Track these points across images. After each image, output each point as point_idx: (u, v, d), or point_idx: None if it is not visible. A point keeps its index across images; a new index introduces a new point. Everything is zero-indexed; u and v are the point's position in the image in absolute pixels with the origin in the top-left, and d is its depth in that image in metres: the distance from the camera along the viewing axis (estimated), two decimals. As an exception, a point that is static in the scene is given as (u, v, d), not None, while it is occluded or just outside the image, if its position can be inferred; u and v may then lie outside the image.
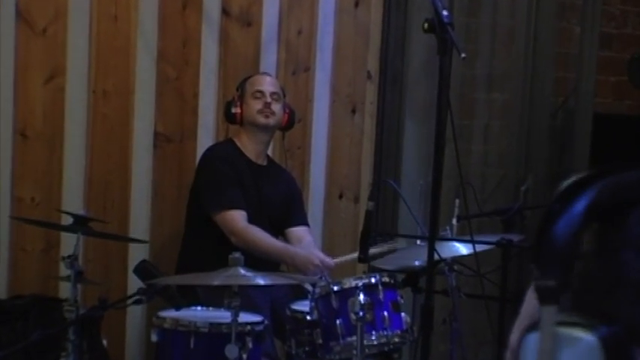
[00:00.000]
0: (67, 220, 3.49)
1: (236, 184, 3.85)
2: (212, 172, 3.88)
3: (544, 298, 1.14)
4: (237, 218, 3.80)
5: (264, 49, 4.40)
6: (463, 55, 2.86)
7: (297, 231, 4.02)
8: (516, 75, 5.05)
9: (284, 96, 4.03)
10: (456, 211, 3.67)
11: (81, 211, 3.51)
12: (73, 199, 3.98)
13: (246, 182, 3.93)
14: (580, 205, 1.17)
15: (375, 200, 3.42)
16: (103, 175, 4.08)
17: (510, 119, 5.10)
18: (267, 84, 3.98)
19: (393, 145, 4.74)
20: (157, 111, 4.18)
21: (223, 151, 3.95)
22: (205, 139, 4.17)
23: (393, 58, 4.69)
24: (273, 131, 4.00)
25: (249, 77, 4.03)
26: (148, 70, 4.14)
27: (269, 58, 4.42)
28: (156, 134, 4.18)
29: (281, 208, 4.02)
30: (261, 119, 3.92)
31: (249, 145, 3.97)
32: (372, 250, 3.36)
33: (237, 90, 4.00)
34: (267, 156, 4.08)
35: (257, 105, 3.92)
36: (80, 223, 3.39)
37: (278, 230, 4.01)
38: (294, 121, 4.07)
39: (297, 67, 4.50)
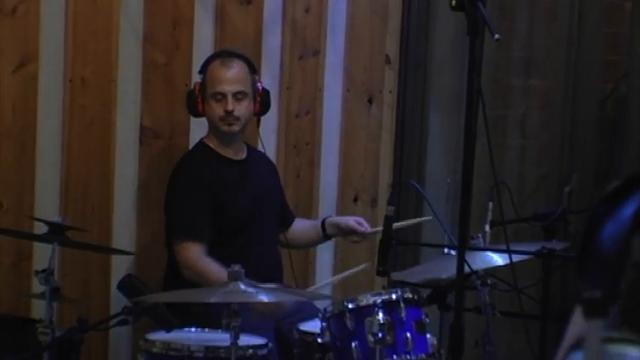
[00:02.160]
0: (40, 229, 3.51)
1: (204, 209, 3.92)
2: (179, 194, 3.97)
3: (590, 311, 1.15)
4: (192, 250, 3.87)
5: (266, 30, 4.41)
6: (497, 35, 2.87)
7: (296, 226, 4.21)
8: (558, 58, 5.06)
9: (255, 81, 4.02)
10: (489, 215, 3.67)
11: (56, 218, 3.52)
12: (47, 205, 4.00)
13: (234, 183, 4.01)
14: (629, 209, 1.18)
15: (396, 204, 3.43)
16: (82, 176, 4.10)
17: (552, 109, 5.10)
18: (229, 82, 3.94)
19: (416, 140, 4.75)
20: (144, 102, 4.20)
21: (195, 164, 4.00)
22: (198, 134, 4.19)
23: (415, 40, 4.70)
24: (244, 128, 4.02)
25: (213, 60, 4.01)
26: (133, 55, 4.16)
27: (272, 41, 4.43)
28: (142, 129, 4.20)
29: (279, 194, 4.19)
30: (224, 128, 3.95)
31: (223, 145, 4.01)
32: (397, 224, 3.41)
33: (200, 74, 4.01)
34: (246, 144, 4.12)
35: (218, 110, 3.93)
36: (56, 232, 3.41)
37: (283, 222, 4.18)
38: (268, 103, 4.07)
39: (304, 50, 4.52)
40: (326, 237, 4.15)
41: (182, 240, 3.89)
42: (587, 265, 1.18)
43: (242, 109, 3.94)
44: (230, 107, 3.91)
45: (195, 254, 3.85)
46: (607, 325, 1.15)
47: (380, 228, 3.59)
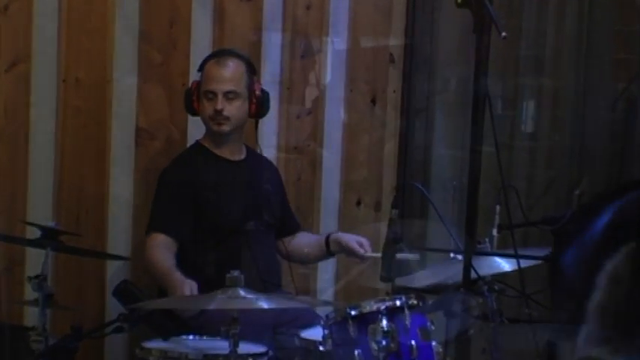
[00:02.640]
0: (33, 233, 3.51)
1: (182, 206, 3.94)
2: (161, 190, 4.01)
3: (562, 333, 1.15)
4: (153, 239, 3.91)
5: (266, 27, 4.41)
6: (504, 33, 2.87)
7: (294, 238, 4.18)
8: (568, 57, 5.05)
9: (253, 82, 4.03)
10: (497, 219, 3.67)
11: (50, 223, 3.53)
12: (40, 209, 4.00)
13: (225, 184, 4.03)
14: (599, 225, 1.17)
15: (400, 207, 3.43)
16: (76, 179, 4.10)
17: (561, 110, 5.10)
18: (220, 81, 3.96)
19: (421, 142, 4.75)
20: (140, 103, 4.20)
21: (183, 162, 4.03)
22: (197, 136, 4.19)
23: (420, 39, 4.70)
24: (237, 129, 4.02)
25: (211, 58, 4.04)
26: (129, 54, 4.16)
27: (272, 39, 4.43)
28: (138, 130, 4.21)
29: (276, 201, 4.17)
30: (214, 127, 3.98)
31: (217, 145, 4.02)
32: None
33: (199, 72, 4.03)
34: (246, 146, 4.12)
35: (208, 109, 3.96)
36: (49, 237, 3.41)
37: (280, 231, 4.16)
38: (267, 105, 4.08)
39: (305, 49, 4.52)
40: (329, 253, 4.15)
41: (150, 231, 3.93)
42: (556, 286, 1.18)
43: (233, 109, 3.95)
44: (219, 106, 3.92)
45: (154, 242, 3.88)
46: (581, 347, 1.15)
47: (379, 254, 3.62)
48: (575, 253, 1.17)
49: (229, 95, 3.95)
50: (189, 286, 3.66)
